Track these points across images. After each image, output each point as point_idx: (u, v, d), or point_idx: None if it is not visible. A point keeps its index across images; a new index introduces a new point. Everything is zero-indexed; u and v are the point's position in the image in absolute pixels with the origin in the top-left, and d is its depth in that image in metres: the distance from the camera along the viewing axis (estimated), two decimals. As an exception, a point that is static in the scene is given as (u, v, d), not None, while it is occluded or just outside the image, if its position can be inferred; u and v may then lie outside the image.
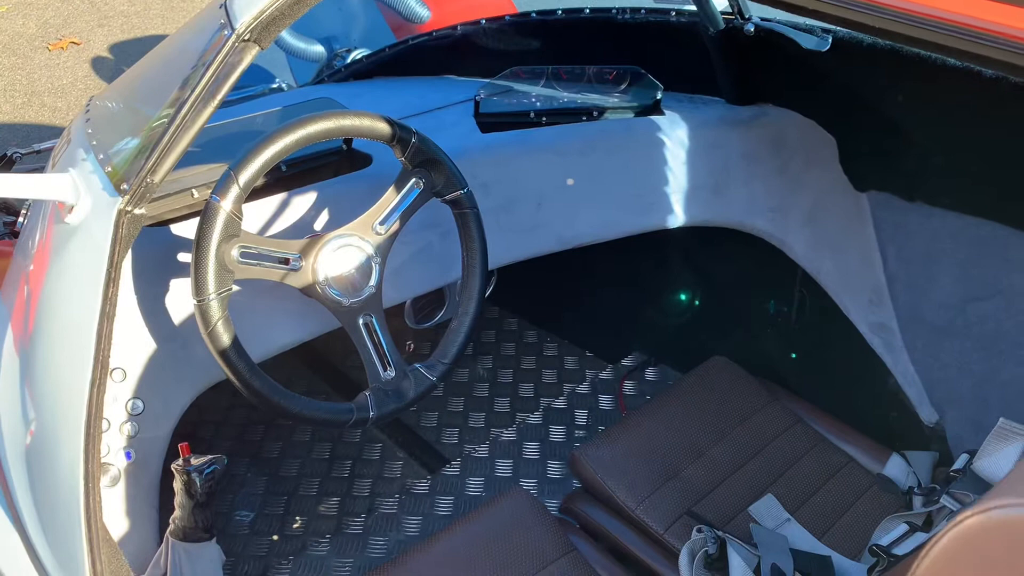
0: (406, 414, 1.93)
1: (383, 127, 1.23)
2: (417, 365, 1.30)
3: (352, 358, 1.27)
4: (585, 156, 1.57)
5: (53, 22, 4.64)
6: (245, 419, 1.95)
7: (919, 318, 1.55)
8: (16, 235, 1.87)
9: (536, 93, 1.68)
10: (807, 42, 1.42)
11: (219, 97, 1.02)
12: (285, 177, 1.41)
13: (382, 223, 1.26)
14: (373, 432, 1.90)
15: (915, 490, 1.31)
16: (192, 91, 1.02)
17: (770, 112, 1.63)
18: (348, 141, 1.49)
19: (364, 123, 1.21)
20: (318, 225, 1.35)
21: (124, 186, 1.08)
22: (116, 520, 1.20)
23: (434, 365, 1.31)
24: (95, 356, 1.05)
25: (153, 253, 1.22)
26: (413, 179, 1.28)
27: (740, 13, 1.50)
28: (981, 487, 1.12)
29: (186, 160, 1.12)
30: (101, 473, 1.14)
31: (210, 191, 1.13)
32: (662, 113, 1.61)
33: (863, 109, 1.48)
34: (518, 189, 1.53)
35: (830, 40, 1.40)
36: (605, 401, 1.94)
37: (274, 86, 2.28)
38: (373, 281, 1.26)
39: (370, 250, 1.25)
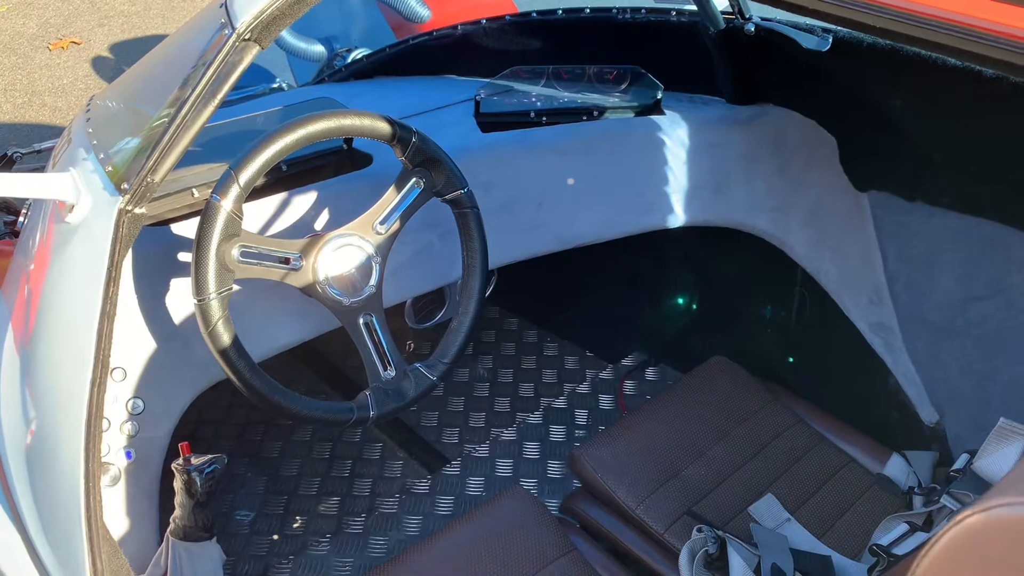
0: (406, 414, 1.93)
1: (383, 127, 1.23)
2: (417, 365, 1.30)
3: (352, 358, 1.27)
4: (585, 156, 1.57)
5: (54, 22, 4.64)
6: (245, 419, 1.95)
7: (919, 318, 1.55)
8: (16, 234, 1.87)
9: (536, 93, 1.68)
10: (807, 42, 1.42)
11: (219, 96, 1.02)
12: (285, 176, 1.41)
13: (382, 223, 1.26)
14: (373, 432, 1.90)
15: (915, 490, 1.31)
16: (192, 91, 1.02)
17: (770, 112, 1.63)
18: (348, 141, 1.49)
19: (364, 123, 1.21)
20: (318, 225, 1.35)
21: (125, 185, 1.08)
22: (116, 519, 1.21)
23: (434, 365, 1.31)
24: (95, 355, 1.05)
25: (153, 252, 1.23)
26: (413, 179, 1.28)
27: (740, 13, 1.50)
28: (981, 487, 1.12)
29: (186, 160, 1.12)
30: (101, 472, 1.14)
31: (210, 190, 1.13)
32: (662, 113, 1.61)
33: (863, 109, 1.48)
34: (518, 189, 1.53)
35: (830, 40, 1.40)
36: (605, 401, 1.94)
37: (274, 86, 2.28)
38: (373, 281, 1.26)
39: (370, 250, 1.25)
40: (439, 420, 1.96)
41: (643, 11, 1.67)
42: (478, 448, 1.82)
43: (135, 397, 1.20)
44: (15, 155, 2.01)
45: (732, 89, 1.63)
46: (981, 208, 1.39)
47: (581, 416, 1.91)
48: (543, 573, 1.20)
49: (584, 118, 1.60)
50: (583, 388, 1.97)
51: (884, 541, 1.13)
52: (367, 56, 2.16)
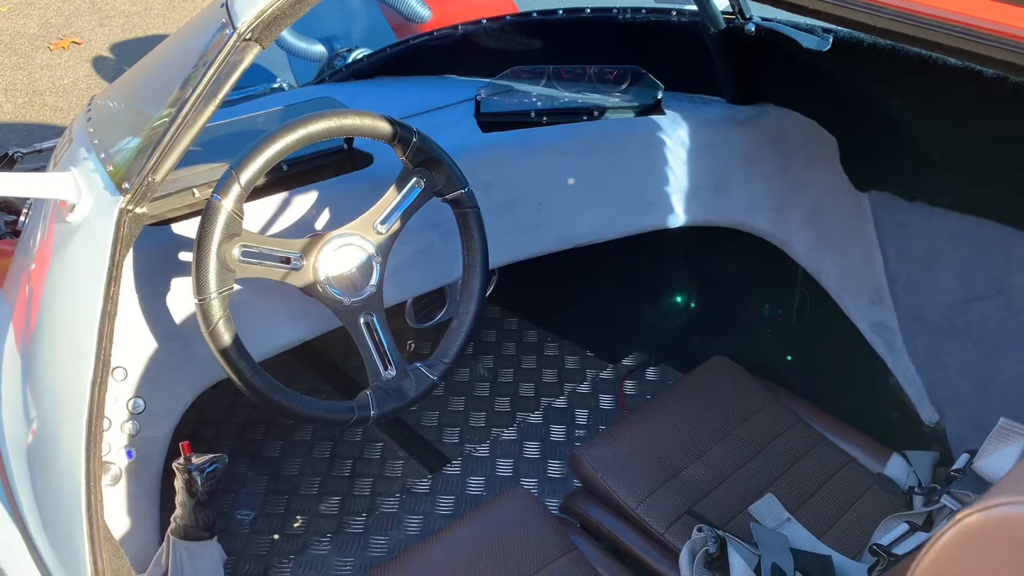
0: (407, 413, 1.93)
1: (384, 126, 1.23)
2: (418, 364, 1.30)
3: (353, 357, 1.27)
4: (586, 156, 1.57)
5: (54, 22, 4.65)
6: (246, 418, 1.95)
7: (920, 318, 1.55)
8: (17, 234, 1.87)
9: (537, 93, 1.68)
10: (808, 42, 1.42)
11: (220, 96, 1.02)
12: (286, 176, 1.41)
13: (383, 222, 1.26)
14: (374, 431, 1.90)
15: (915, 490, 1.31)
16: (193, 90, 1.02)
17: (771, 112, 1.63)
18: (349, 140, 1.49)
19: (365, 122, 1.21)
20: (319, 224, 1.35)
21: (126, 185, 1.08)
22: (117, 519, 1.21)
23: (435, 364, 1.31)
24: (96, 355, 1.05)
25: (154, 252, 1.23)
26: (414, 178, 1.28)
27: (741, 13, 1.50)
28: (981, 487, 1.12)
29: (187, 159, 1.12)
30: (102, 472, 1.14)
31: (211, 190, 1.13)
32: (663, 113, 1.61)
33: (864, 109, 1.48)
34: (519, 189, 1.53)
35: (831, 40, 1.40)
36: (606, 401, 1.94)
37: (275, 86, 2.29)
38: (374, 280, 1.26)
39: (371, 249, 1.25)
40: (440, 420, 1.96)
41: (643, 11, 1.68)
42: (478, 448, 1.82)
43: (136, 396, 1.21)
44: (16, 155, 2.01)
45: (732, 89, 1.63)
46: (981, 208, 1.39)
47: (581, 416, 1.91)
48: (543, 572, 1.20)
49: (584, 118, 1.61)
50: (583, 388, 1.98)
51: (884, 541, 1.13)
52: (368, 56, 2.16)
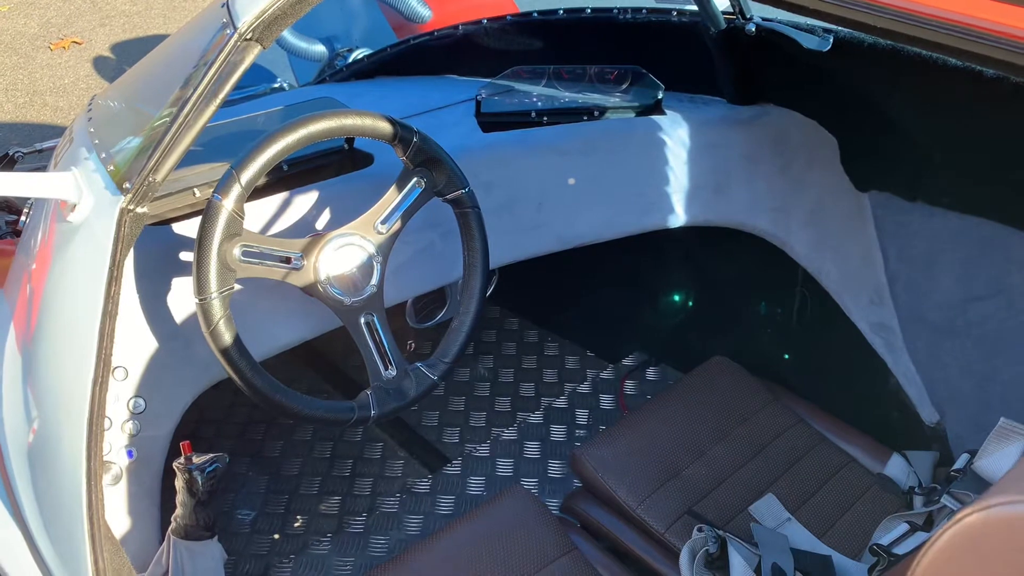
0: (407, 413, 1.93)
1: (385, 126, 1.23)
2: (418, 364, 1.30)
3: (353, 357, 1.27)
4: (586, 156, 1.57)
5: (55, 21, 4.65)
6: (246, 418, 1.95)
7: (920, 318, 1.55)
8: (18, 234, 1.87)
9: (537, 93, 1.68)
10: (808, 42, 1.42)
11: (221, 96, 1.02)
12: (287, 176, 1.41)
13: (383, 222, 1.26)
14: (374, 431, 1.90)
15: (916, 490, 1.32)
16: (194, 90, 1.03)
17: (771, 112, 1.63)
18: (350, 140, 1.50)
19: (366, 122, 1.22)
20: (320, 224, 1.35)
21: (126, 185, 1.08)
22: (118, 518, 1.21)
23: (435, 364, 1.31)
24: (97, 354, 1.05)
25: (155, 252, 1.23)
26: (414, 178, 1.28)
27: (741, 13, 1.50)
28: (982, 487, 1.12)
29: (188, 159, 1.12)
30: (103, 471, 1.14)
31: (212, 190, 1.13)
32: (663, 113, 1.62)
33: (864, 109, 1.48)
34: (519, 189, 1.53)
35: (831, 40, 1.40)
36: (606, 401, 1.94)
37: (276, 86, 2.29)
38: (374, 280, 1.26)
39: (372, 249, 1.25)
40: (440, 420, 1.96)
41: (644, 11, 1.68)
42: (479, 448, 1.82)
43: (137, 396, 1.21)
44: (17, 155, 2.01)
45: (733, 89, 1.63)
46: (981, 208, 1.39)
47: (582, 416, 1.91)
48: (544, 572, 1.20)
49: (585, 118, 1.61)
50: (584, 388, 1.98)
51: (884, 541, 1.13)
52: (368, 56, 2.16)
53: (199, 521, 1.20)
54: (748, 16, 1.51)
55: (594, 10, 1.75)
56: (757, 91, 1.62)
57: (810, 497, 1.34)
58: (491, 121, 1.61)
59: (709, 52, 1.58)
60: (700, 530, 1.20)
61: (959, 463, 1.18)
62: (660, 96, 1.63)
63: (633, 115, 1.62)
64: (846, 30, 1.36)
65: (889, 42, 1.33)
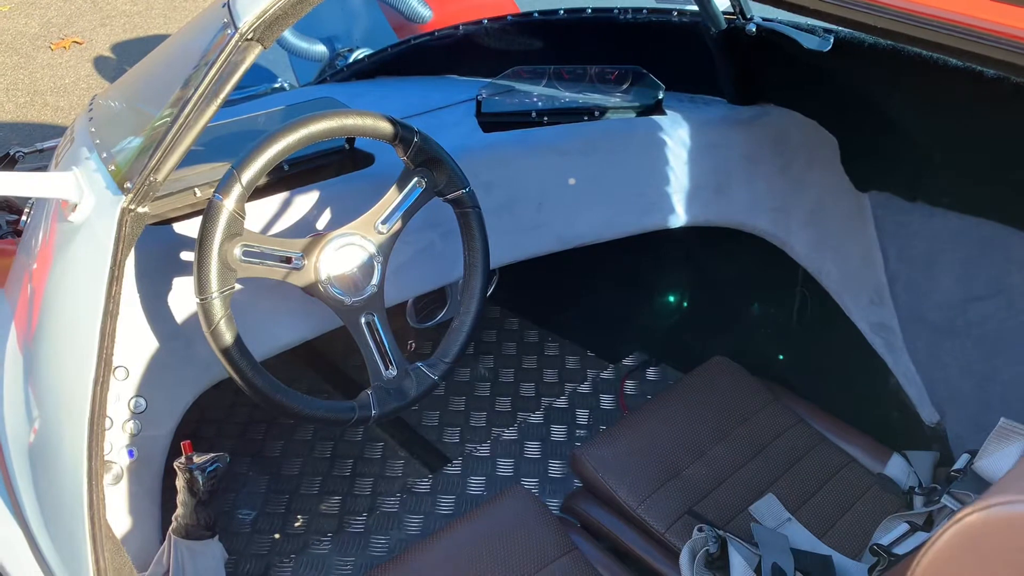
0: (407, 413, 1.93)
1: (385, 126, 1.23)
2: (419, 364, 1.31)
3: (354, 357, 1.28)
4: (587, 156, 1.57)
5: (56, 21, 4.65)
6: (247, 418, 1.95)
7: (920, 318, 1.55)
8: (19, 233, 1.87)
9: (538, 93, 1.68)
10: (809, 42, 1.42)
11: (222, 96, 1.02)
12: (287, 176, 1.41)
13: (384, 222, 1.27)
14: (375, 431, 1.90)
15: (916, 490, 1.32)
16: (195, 90, 1.03)
17: (772, 112, 1.63)
18: (350, 140, 1.50)
19: (367, 122, 1.22)
20: (320, 224, 1.35)
21: (128, 184, 1.08)
22: (119, 518, 1.21)
23: (436, 364, 1.31)
24: (98, 354, 1.05)
25: (156, 252, 1.23)
26: (415, 178, 1.28)
27: (742, 13, 1.51)
28: (982, 487, 1.12)
29: (189, 159, 1.12)
30: (104, 471, 1.14)
31: (213, 190, 1.13)
32: (664, 113, 1.62)
33: (865, 109, 1.48)
34: (519, 189, 1.53)
35: (832, 40, 1.40)
36: (606, 401, 1.94)
37: (276, 86, 2.29)
38: (375, 280, 1.26)
39: (372, 249, 1.25)
40: (440, 419, 1.96)
41: (645, 11, 1.68)
42: (479, 447, 1.83)
43: (137, 396, 1.21)
44: (17, 154, 2.01)
45: (733, 89, 1.63)
46: (981, 208, 1.39)
47: (582, 416, 1.91)
48: (544, 572, 1.20)
49: (585, 118, 1.61)
50: (584, 388, 1.98)
51: (885, 541, 1.13)
52: (369, 56, 2.17)
53: (200, 520, 1.20)
54: (749, 16, 1.51)
55: (595, 10, 1.76)
56: (757, 91, 1.63)
57: (810, 497, 1.34)
58: (491, 121, 1.61)
59: (710, 52, 1.58)
60: (700, 530, 1.20)
61: (959, 463, 1.18)
62: (660, 96, 1.63)
63: (633, 115, 1.62)
64: (847, 30, 1.36)
65: (889, 42, 1.33)
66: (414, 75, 2.02)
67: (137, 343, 1.21)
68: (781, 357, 1.80)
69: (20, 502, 1.23)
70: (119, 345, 1.13)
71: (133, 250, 1.15)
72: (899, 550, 1.10)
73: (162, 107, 1.13)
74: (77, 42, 4.42)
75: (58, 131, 3.61)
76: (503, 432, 1.86)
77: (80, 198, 1.14)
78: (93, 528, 1.05)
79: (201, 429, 1.92)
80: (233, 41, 1.00)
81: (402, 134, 1.24)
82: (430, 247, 1.45)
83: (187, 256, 1.25)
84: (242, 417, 1.96)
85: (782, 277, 1.74)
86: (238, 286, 1.15)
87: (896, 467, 1.38)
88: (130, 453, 1.21)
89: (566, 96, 1.67)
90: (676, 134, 1.59)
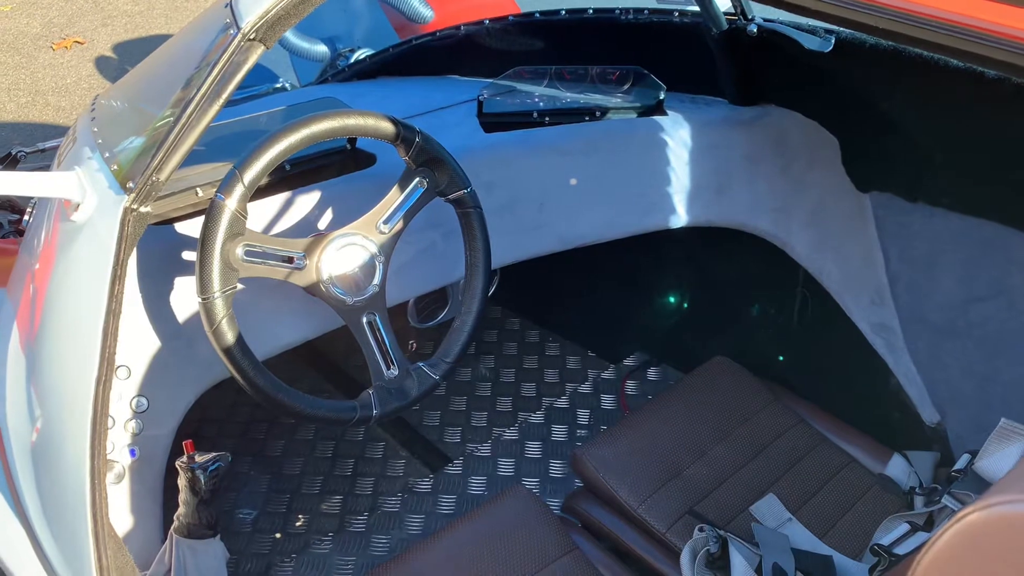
0: (409, 413, 1.94)
1: (387, 126, 1.23)
2: (420, 364, 1.31)
3: (355, 357, 1.28)
4: (588, 156, 1.58)
5: (57, 21, 4.65)
6: (248, 417, 1.95)
7: (921, 318, 1.55)
8: (21, 233, 1.88)
9: (539, 93, 1.68)
10: (810, 43, 1.43)
11: (224, 96, 1.02)
12: (289, 176, 1.41)
13: (386, 222, 1.27)
14: (376, 431, 1.90)
15: (916, 490, 1.32)
16: (197, 90, 1.03)
17: (773, 113, 1.63)
18: (352, 140, 1.50)
19: (368, 122, 1.22)
20: (322, 224, 1.36)
21: (130, 184, 1.08)
22: (120, 517, 1.21)
23: (437, 364, 1.31)
24: (101, 353, 1.05)
25: (158, 251, 1.23)
26: (417, 178, 1.28)
27: (743, 14, 1.51)
28: (982, 487, 1.12)
29: (191, 159, 1.13)
30: (106, 470, 1.15)
31: (215, 190, 1.13)
32: (665, 113, 1.62)
33: (865, 110, 1.48)
34: (521, 189, 1.54)
35: (833, 41, 1.41)
36: (607, 401, 1.95)
37: (278, 86, 2.29)
38: (377, 280, 1.26)
39: (374, 249, 1.26)
40: (441, 419, 1.96)
41: (646, 12, 1.68)
42: (480, 447, 1.83)
43: (139, 395, 1.21)
44: (19, 154, 2.02)
45: (734, 90, 1.63)
46: (982, 209, 1.39)
47: (583, 416, 1.91)
48: (545, 572, 1.20)
49: (587, 119, 1.61)
50: (585, 388, 1.98)
51: (885, 541, 1.13)
52: (370, 56, 2.17)
53: (202, 520, 1.20)
54: (750, 17, 1.51)
55: (596, 11, 1.76)
56: (758, 92, 1.63)
57: (811, 497, 1.34)
58: (493, 121, 1.61)
59: (711, 53, 1.58)
60: (701, 530, 1.20)
61: (960, 463, 1.18)
62: (662, 97, 1.64)
63: (635, 116, 1.62)
64: (848, 31, 1.36)
65: (890, 43, 1.33)
66: (415, 75, 2.02)
67: (139, 342, 1.21)
68: (782, 357, 1.80)
69: (23, 501, 1.23)
70: (121, 344, 1.13)
71: (135, 250, 1.16)
72: (900, 550, 1.10)
73: (164, 107, 1.13)
74: (79, 42, 4.42)
75: (60, 131, 3.62)
76: (504, 432, 1.87)
77: (82, 198, 1.14)
78: (96, 527, 1.05)
79: (203, 428, 1.93)
80: (236, 41, 1.00)
81: (404, 134, 1.24)
82: (431, 247, 1.45)
83: (189, 256, 1.25)
84: (243, 416, 1.96)
85: (783, 277, 1.74)
86: (240, 286, 1.15)
87: (897, 467, 1.38)
88: (132, 452, 1.21)
89: (567, 96, 1.67)
90: (677, 134, 1.60)
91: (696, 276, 1.95)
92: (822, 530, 1.30)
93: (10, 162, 1.99)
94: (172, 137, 1.04)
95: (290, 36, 2.63)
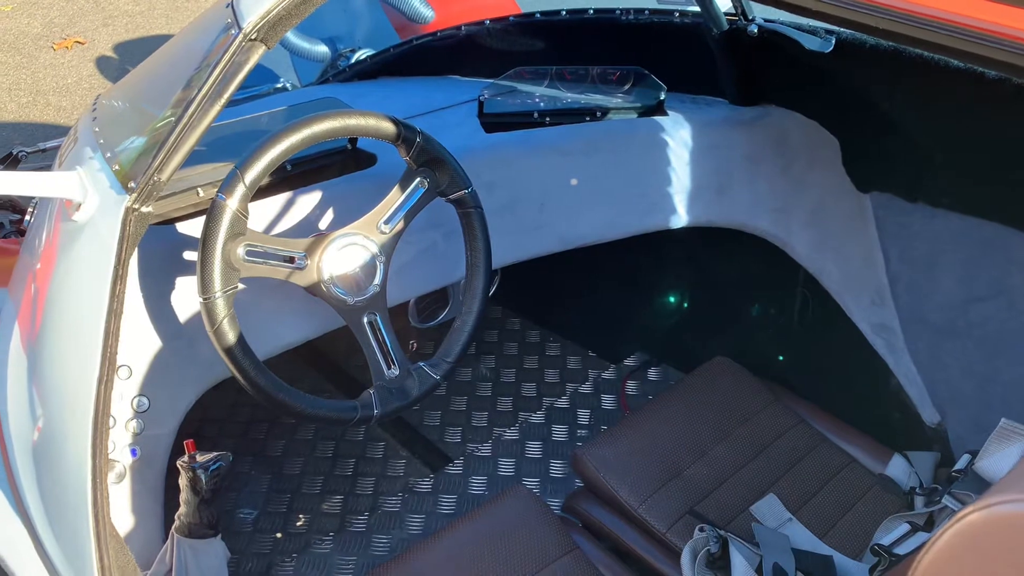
0: (409, 413, 1.94)
1: (388, 126, 1.23)
2: (421, 364, 1.31)
3: (356, 356, 1.28)
4: (588, 156, 1.58)
5: (58, 21, 4.66)
6: (249, 417, 1.96)
7: (921, 319, 1.55)
8: (23, 233, 1.88)
9: (540, 93, 1.68)
10: (810, 43, 1.43)
11: (226, 96, 1.02)
12: (290, 176, 1.41)
13: (387, 222, 1.27)
14: (376, 430, 1.90)
15: (917, 490, 1.32)
16: (199, 90, 1.03)
17: (773, 113, 1.63)
18: (353, 140, 1.50)
19: (369, 122, 1.22)
20: (323, 224, 1.36)
21: (132, 184, 1.09)
22: (121, 516, 1.21)
23: (438, 364, 1.31)
24: (103, 353, 1.05)
25: (159, 251, 1.23)
26: (418, 178, 1.28)
27: (744, 14, 1.51)
28: (983, 487, 1.12)
29: (192, 159, 1.13)
30: (108, 469, 1.15)
31: (216, 190, 1.14)
32: (665, 114, 1.62)
33: (866, 110, 1.48)
34: (521, 189, 1.54)
35: (833, 41, 1.41)
36: (607, 401, 1.95)
37: (279, 86, 2.29)
38: (377, 280, 1.26)
39: (375, 249, 1.26)
40: (442, 419, 1.96)
41: (646, 12, 1.68)
42: (481, 447, 1.83)
43: (140, 395, 1.21)
44: (20, 154, 2.02)
45: (735, 90, 1.63)
46: (982, 209, 1.40)
47: (583, 416, 1.91)
48: (545, 572, 1.21)
49: (587, 119, 1.61)
50: (585, 388, 1.98)
51: (886, 541, 1.13)
52: (371, 56, 2.17)
53: (203, 519, 1.20)
54: (750, 17, 1.51)
55: (597, 11, 1.76)
56: (759, 92, 1.63)
57: (811, 497, 1.34)
58: (494, 122, 1.61)
59: (711, 53, 1.58)
60: (702, 530, 1.20)
61: (960, 464, 1.18)
62: (662, 97, 1.64)
63: (635, 116, 1.62)
64: (848, 31, 1.36)
65: (891, 43, 1.33)
66: (416, 75, 2.02)
67: (140, 342, 1.21)
68: (782, 358, 1.81)
69: (24, 500, 1.23)
70: (122, 344, 1.13)
71: (137, 250, 1.16)
72: (900, 550, 1.10)
73: (166, 107, 1.13)
74: (79, 42, 4.42)
75: (60, 131, 3.62)
76: (504, 432, 1.87)
77: (84, 197, 1.14)
78: (97, 526, 1.05)
79: (204, 428, 1.93)
80: (237, 41, 1.01)
81: (405, 134, 1.25)
82: (432, 247, 1.45)
83: (190, 256, 1.25)
84: (244, 416, 1.96)
85: (783, 278, 1.74)
86: (241, 286, 1.15)
87: (897, 467, 1.38)
88: (133, 452, 1.21)
89: (568, 97, 1.67)
90: (678, 135, 1.60)
91: (697, 276, 1.96)
92: (822, 530, 1.30)
93: (11, 162, 2.00)
94: (173, 137, 1.04)
95: (291, 36, 2.64)
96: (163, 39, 3.46)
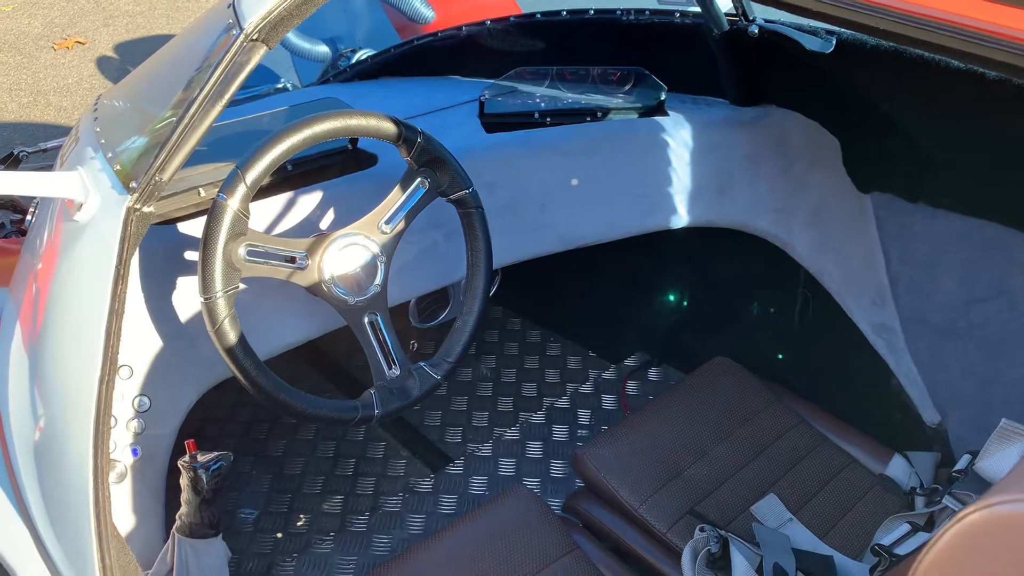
0: (410, 413, 1.94)
1: (389, 127, 1.23)
2: (421, 364, 1.31)
3: (357, 356, 1.28)
4: (589, 156, 1.58)
5: (59, 21, 4.66)
6: (250, 417, 1.96)
7: (922, 319, 1.55)
8: (24, 233, 1.88)
9: (540, 94, 1.68)
10: (811, 44, 1.43)
11: (227, 96, 1.02)
12: (291, 176, 1.41)
13: (387, 222, 1.27)
14: (377, 430, 1.90)
15: (917, 491, 1.32)
16: (200, 90, 1.03)
17: (774, 113, 1.63)
18: (353, 141, 1.50)
19: (370, 123, 1.22)
20: (324, 224, 1.36)
21: (133, 184, 1.09)
22: (123, 516, 1.21)
23: (438, 364, 1.31)
24: (104, 353, 1.05)
25: (160, 251, 1.23)
26: (418, 178, 1.29)
27: (744, 15, 1.51)
28: (983, 488, 1.12)
29: (193, 159, 1.13)
30: (109, 469, 1.15)
31: (217, 190, 1.14)
32: (666, 114, 1.62)
33: (866, 111, 1.48)
34: (522, 189, 1.54)
35: (834, 42, 1.41)
36: (608, 401, 1.95)
37: (279, 86, 2.29)
38: (378, 280, 1.26)
39: (376, 249, 1.26)
40: (442, 419, 1.96)
41: (647, 12, 1.68)
42: (481, 447, 1.83)
43: (142, 395, 1.21)
44: (21, 154, 2.02)
45: (736, 91, 1.63)
46: (983, 210, 1.40)
47: (584, 416, 1.91)
48: (546, 572, 1.21)
49: (588, 119, 1.61)
50: (586, 388, 1.98)
51: (886, 541, 1.13)
52: (372, 57, 2.17)
53: (204, 519, 1.20)
54: (751, 18, 1.51)
55: (597, 11, 1.76)
56: (759, 93, 1.63)
57: (812, 497, 1.34)
58: (494, 122, 1.61)
59: (712, 54, 1.58)
60: (702, 530, 1.20)
61: (961, 464, 1.18)
62: (663, 97, 1.64)
63: (636, 116, 1.62)
64: (849, 32, 1.36)
65: (891, 44, 1.33)
66: (417, 76, 2.03)
67: (141, 342, 1.21)
68: (782, 358, 1.81)
69: (25, 500, 1.23)
70: (123, 344, 1.13)
71: (138, 249, 1.16)
72: (900, 550, 1.10)
73: (167, 107, 1.13)
74: (80, 42, 4.43)
75: (61, 131, 3.62)
76: (505, 432, 1.87)
77: (85, 197, 1.15)
78: (98, 526, 1.06)
79: (205, 428, 1.93)
80: (238, 42, 1.01)
81: (405, 134, 1.25)
82: (433, 247, 1.45)
83: (191, 256, 1.25)
84: (245, 416, 1.96)
85: (784, 278, 1.74)
86: (242, 286, 1.16)
87: (897, 468, 1.38)
88: (134, 452, 1.21)
89: (569, 97, 1.67)
90: (678, 135, 1.60)
91: (697, 276, 1.96)
92: (823, 530, 1.30)
93: (12, 162, 2.00)
94: (175, 137, 1.04)
95: (292, 36, 2.64)
96: (164, 39, 3.46)
